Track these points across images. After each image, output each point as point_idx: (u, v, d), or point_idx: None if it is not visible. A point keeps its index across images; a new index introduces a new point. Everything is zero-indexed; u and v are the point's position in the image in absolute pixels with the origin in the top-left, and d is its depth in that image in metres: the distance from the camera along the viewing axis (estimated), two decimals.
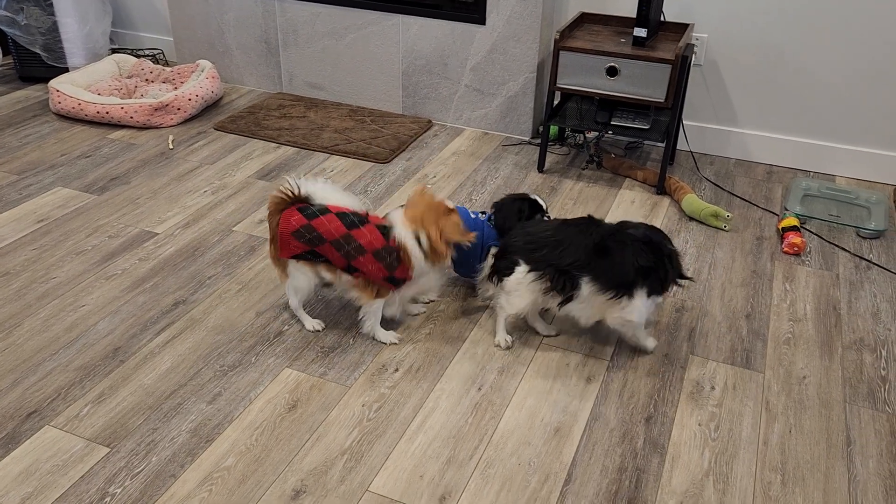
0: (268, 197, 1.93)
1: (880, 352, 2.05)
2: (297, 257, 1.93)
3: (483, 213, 2.19)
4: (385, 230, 1.90)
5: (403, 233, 1.89)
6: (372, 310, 1.99)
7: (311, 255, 1.92)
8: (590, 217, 1.95)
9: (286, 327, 2.08)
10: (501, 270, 1.94)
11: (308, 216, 1.89)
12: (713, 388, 1.91)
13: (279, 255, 1.95)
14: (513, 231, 1.99)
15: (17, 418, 1.76)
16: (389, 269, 1.89)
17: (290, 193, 1.92)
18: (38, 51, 3.59)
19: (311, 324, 2.07)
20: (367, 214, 1.95)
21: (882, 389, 1.92)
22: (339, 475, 1.64)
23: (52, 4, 3.52)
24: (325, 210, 1.91)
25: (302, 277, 1.97)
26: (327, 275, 1.97)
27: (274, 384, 1.88)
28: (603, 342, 2.05)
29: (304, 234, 1.88)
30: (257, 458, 1.67)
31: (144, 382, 1.88)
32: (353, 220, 1.90)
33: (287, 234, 1.90)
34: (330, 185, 1.99)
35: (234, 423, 1.76)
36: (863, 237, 2.59)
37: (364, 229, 1.89)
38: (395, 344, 2.03)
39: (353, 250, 1.88)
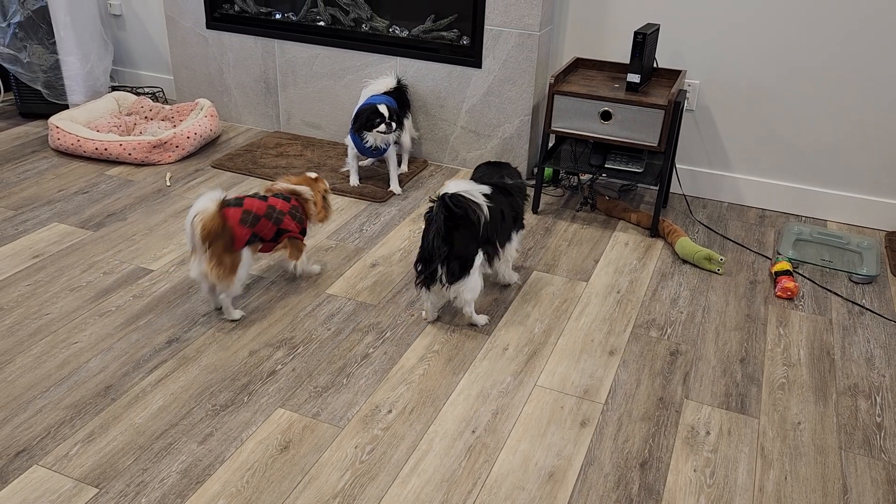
0: (204, 219, 2.10)
1: (875, 398, 2.05)
2: (247, 243, 2.22)
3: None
4: (282, 197, 2.34)
5: (305, 190, 2.39)
6: (303, 260, 2.44)
7: (252, 238, 2.22)
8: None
9: (279, 366, 2.07)
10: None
11: (237, 205, 2.20)
12: (708, 433, 1.90)
13: (236, 248, 2.18)
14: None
15: (6, 457, 1.73)
16: (301, 223, 2.37)
17: (219, 202, 2.17)
18: (39, 88, 3.63)
19: (237, 313, 2.29)
20: (261, 193, 2.35)
21: (878, 436, 1.92)
22: None
23: (55, 42, 3.57)
24: (240, 198, 2.24)
25: (246, 268, 2.25)
26: (253, 255, 2.30)
27: (266, 424, 1.87)
28: (598, 384, 2.05)
29: (245, 219, 2.19)
30: (248, 500, 1.65)
31: (135, 422, 1.86)
32: (261, 195, 2.30)
33: (237, 225, 2.17)
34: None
35: (225, 464, 1.74)
36: (855, 282, 2.61)
37: (271, 200, 2.30)
38: (321, 271, 2.52)
39: (278, 215, 2.28)
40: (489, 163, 2.51)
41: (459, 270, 2.12)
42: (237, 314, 2.28)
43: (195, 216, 2.10)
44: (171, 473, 1.71)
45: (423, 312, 2.31)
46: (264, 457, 1.77)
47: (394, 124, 2.92)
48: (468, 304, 2.21)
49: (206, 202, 2.12)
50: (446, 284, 2.14)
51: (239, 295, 2.33)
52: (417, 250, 2.19)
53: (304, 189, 2.39)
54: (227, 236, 2.15)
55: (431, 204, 2.12)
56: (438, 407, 1.95)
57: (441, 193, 2.09)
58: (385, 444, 1.83)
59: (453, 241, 2.08)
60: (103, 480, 1.68)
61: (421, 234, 2.16)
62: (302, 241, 2.40)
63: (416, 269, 2.17)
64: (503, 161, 2.54)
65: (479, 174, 2.42)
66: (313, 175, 2.47)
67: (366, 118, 2.92)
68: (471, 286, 2.16)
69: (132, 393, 1.95)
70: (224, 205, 2.16)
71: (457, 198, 2.08)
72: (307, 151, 3.48)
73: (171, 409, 1.90)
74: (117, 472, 1.71)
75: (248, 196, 2.26)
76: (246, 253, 2.22)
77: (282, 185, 2.40)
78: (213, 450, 1.78)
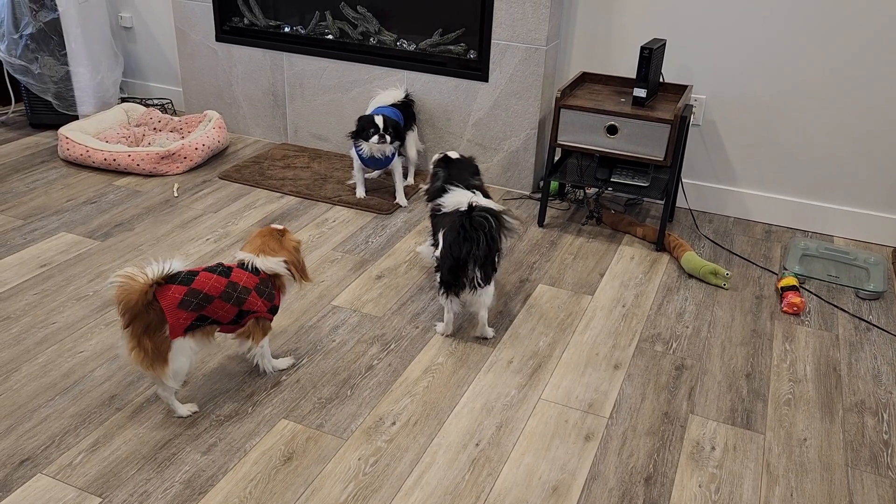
0: (124, 290, 1.72)
1: (882, 415, 2.04)
2: (187, 330, 1.80)
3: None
4: (250, 268, 1.94)
5: (272, 263, 1.95)
6: (265, 349, 2.04)
7: (199, 321, 1.81)
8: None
9: (284, 377, 2.07)
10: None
11: (184, 282, 1.79)
12: (713, 448, 1.89)
13: (171, 337, 1.77)
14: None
15: (10, 465, 1.74)
16: (270, 299, 1.96)
17: (151, 277, 1.75)
18: (49, 99, 3.66)
19: (185, 408, 1.92)
20: (225, 264, 1.95)
21: (885, 454, 1.90)
22: None
23: (66, 54, 3.60)
24: (194, 272, 1.84)
25: (185, 358, 1.82)
26: (207, 339, 1.89)
27: (270, 435, 1.86)
28: (602, 398, 2.04)
29: (189, 301, 1.78)
30: None
31: (139, 431, 1.86)
32: (222, 269, 1.90)
33: (174, 309, 1.76)
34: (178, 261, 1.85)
35: (228, 475, 1.74)
36: (862, 298, 2.60)
37: (235, 273, 1.90)
38: (294, 364, 2.14)
39: (241, 294, 1.88)
40: (454, 160, 2.50)
41: (491, 272, 2.18)
42: (186, 410, 1.91)
43: (116, 283, 1.72)
44: (174, 483, 1.71)
45: (440, 325, 2.30)
46: (267, 468, 1.77)
47: (388, 137, 2.93)
48: (485, 307, 2.24)
49: (133, 273, 1.74)
50: (479, 287, 2.16)
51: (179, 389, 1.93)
52: (433, 261, 2.22)
53: (274, 264, 1.95)
54: (153, 317, 1.75)
55: (463, 211, 2.13)
56: (442, 419, 1.95)
57: (476, 205, 2.13)
58: (388, 456, 1.82)
59: (482, 244, 2.13)
60: (107, 490, 1.68)
61: (445, 242, 2.15)
62: (270, 320, 2.00)
63: (446, 278, 2.16)
64: (465, 157, 2.54)
65: (452, 172, 2.43)
66: (279, 227, 2.03)
67: (361, 128, 2.95)
68: (492, 290, 2.22)
69: (136, 402, 1.95)
70: (167, 279, 1.77)
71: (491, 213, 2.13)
72: (314, 163, 3.49)
73: (175, 419, 1.90)
74: (121, 482, 1.71)
75: (206, 269, 1.86)
76: (183, 343, 1.80)
77: (245, 254, 1.96)
78: (217, 460, 1.78)
